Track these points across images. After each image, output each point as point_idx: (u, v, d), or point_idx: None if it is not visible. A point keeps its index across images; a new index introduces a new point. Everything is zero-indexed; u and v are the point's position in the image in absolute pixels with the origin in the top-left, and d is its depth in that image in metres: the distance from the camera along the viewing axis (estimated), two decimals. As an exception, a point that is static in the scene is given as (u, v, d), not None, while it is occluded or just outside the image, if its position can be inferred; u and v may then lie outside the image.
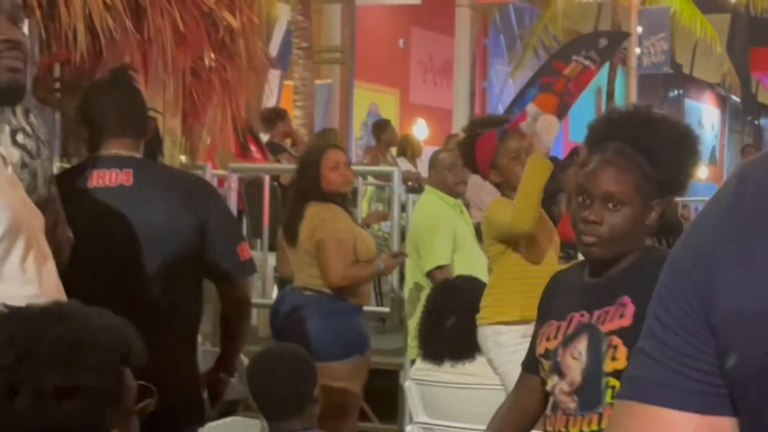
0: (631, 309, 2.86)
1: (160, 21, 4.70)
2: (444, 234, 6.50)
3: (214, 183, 8.60)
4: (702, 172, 33.05)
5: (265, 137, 10.88)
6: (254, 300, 8.22)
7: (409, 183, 10.42)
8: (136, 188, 3.86)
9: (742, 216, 1.28)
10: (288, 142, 11.56)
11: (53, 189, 3.19)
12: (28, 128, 3.10)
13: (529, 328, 3.31)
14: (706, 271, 1.29)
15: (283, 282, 7.71)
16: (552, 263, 4.99)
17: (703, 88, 34.91)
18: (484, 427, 3.34)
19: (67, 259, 3.24)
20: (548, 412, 3.00)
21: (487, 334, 5.01)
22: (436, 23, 19.52)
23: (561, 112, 15.17)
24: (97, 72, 4.75)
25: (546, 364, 3.01)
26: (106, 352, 1.78)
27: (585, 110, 19.57)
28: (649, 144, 2.94)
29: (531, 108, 14.21)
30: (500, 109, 19.11)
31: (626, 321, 2.86)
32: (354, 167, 6.69)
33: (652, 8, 23.41)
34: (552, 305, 3.09)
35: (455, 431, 5.36)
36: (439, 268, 6.48)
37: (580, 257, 3.18)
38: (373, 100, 19.42)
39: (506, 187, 5.07)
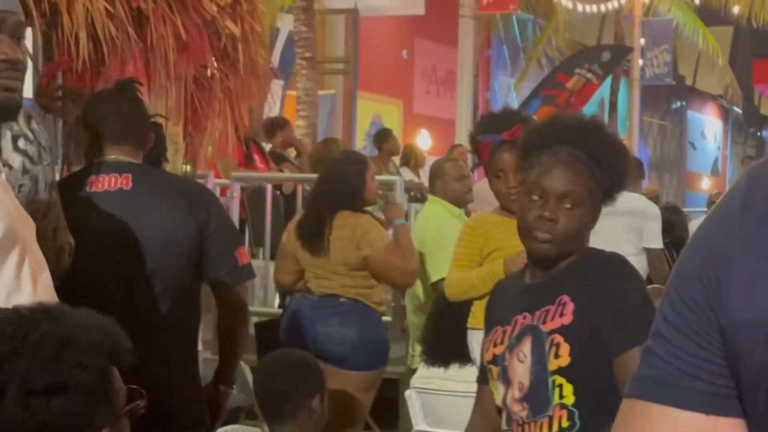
0: (570, 307, 2.88)
1: (163, 28, 4.70)
2: (450, 246, 6.47)
3: (217, 192, 8.61)
4: (705, 183, 33.09)
5: (267, 147, 10.89)
6: (256, 308, 8.30)
7: (412, 192, 10.42)
8: (135, 193, 3.88)
9: (754, 223, 1.28)
10: (292, 152, 11.56)
11: (54, 194, 3.20)
12: (29, 134, 3.11)
13: None
14: (717, 274, 1.29)
15: (285, 291, 7.69)
16: None
17: (706, 99, 34.91)
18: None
19: (68, 265, 3.25)
20: (504, 427, 2.99)
21: (471, 335, 5.03)
22: (440, 34, 19.52)
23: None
24: (100, 79, 4.76)
25: (495, 370, 3.01)
26: (94, 350, 1.78)
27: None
28: (598, 150, 3.00)
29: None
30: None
31: (566, 319, 2.88)
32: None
33: (655, 20, 23.46)
34: (496, 312, 3.11)
35: (455, 439, 5.37)
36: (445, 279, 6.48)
37: None
38: (376, 110, 19.42)
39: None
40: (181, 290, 3.91)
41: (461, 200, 6.86)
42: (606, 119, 20.81)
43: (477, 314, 4.83)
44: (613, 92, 22.36)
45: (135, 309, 3.70)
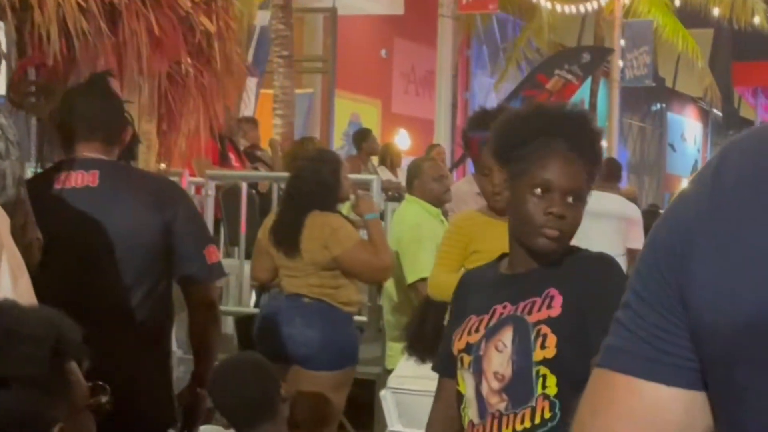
0: (559, 300, 2.85)
1: (136, 24, 4.65)
2: (428, 246, 6.45)
3: (191, 190, 8.57)
4: (684, 185, 33.15)
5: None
6: (231, 308, 8.26)
7: (389, 192, 10.40)
8: (102, 189, 3.86)
9: (721, 198, 1.28)
10: (267, 150, 11.54)
11: (23, 191, 3.17)
12: (-3, 129, 3.07)
13: None
14: (682, 247, 1.29)
15: (260, 289, 7.66)
16: None
17: (686, 101, 35.03)
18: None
19: (37, 261, 3.22)
20: (475, 420, 2.91)
21: None
22: (419, 34, 19.52)
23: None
24: (72, 75, 4.71)
25: (466, 359, 2.94)
26: (37, 342, 1.75)
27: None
28: (588, 142, 2.95)
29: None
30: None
31: (555, 312, 2.84)
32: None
33: (635, 21, 23.50)
34: (469, 302, 3.03)
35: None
36: (423, 280, 6.44)
37: None
38: (354, 110, 19.41)
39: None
40: (149, 288, 3.89)
41: (439, 200, 6.83)
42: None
43: None
44: (593, 94, 22.37)
45: (102, 305, 3.70)
